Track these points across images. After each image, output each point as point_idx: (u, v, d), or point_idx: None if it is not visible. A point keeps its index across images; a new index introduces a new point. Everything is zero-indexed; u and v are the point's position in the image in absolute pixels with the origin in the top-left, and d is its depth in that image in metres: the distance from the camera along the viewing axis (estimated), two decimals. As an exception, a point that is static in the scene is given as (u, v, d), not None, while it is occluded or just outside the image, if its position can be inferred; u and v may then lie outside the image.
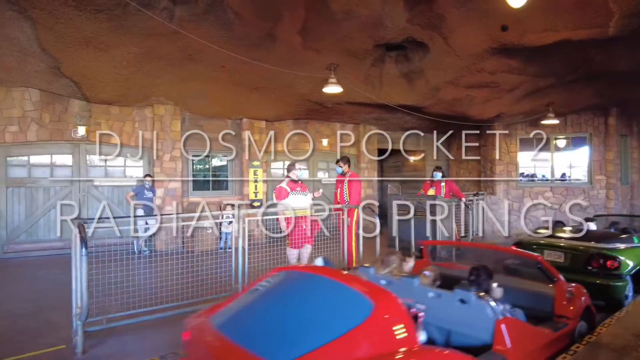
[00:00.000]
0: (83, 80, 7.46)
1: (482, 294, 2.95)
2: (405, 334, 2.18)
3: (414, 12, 6.13)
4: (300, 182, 6.10)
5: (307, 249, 5.96)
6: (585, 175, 11.40)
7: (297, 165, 6.15)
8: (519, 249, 4.84)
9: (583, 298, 3.82)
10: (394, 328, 2.19)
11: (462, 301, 2.91)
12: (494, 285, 3.28)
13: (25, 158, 8.03)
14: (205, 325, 2.64)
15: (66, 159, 8.35)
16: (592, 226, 6.02)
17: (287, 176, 6.10)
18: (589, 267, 4.90)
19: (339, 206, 5.90)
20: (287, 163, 10.89)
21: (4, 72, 7.14)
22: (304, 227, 5.74)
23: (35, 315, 4.58)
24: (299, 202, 5.95)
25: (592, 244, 5.14)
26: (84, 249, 3.22)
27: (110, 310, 3.92)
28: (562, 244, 5.29)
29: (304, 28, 6.38)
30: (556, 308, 3.62)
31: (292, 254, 5.92)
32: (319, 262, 3.18)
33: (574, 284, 3.87)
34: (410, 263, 3.76)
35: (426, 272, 3.57)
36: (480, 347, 2.79)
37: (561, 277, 3.84)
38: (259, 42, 6.58)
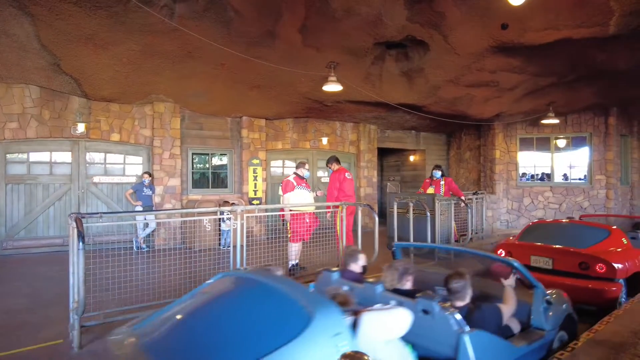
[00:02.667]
0: (83, 77, 7.46)
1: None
2: (626, 242, 5.01)
3: (414, 10, 6.14)
4: (304, 180, 6.42)
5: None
6: (585, 175, 11.39)
7: (307, 166, 6.55)
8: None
9: None
10: (622, 239, 5.03)
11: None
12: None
13: (25, 155, 8.03)
14: (517, 243, 5.47)
15: (65, 156, 8.34)
16: None
17: (295, 172, 6.43)
18: None
19: (334, 203, 5.97)
20: (286, 162, 10.98)
21: (3, 68, 7.15)
22: (307, 221, 5.97)
23: (34, 311, 4.58)
24: (303, 197, 6.16)
25: None
26: (81, 243, 3.21)
27: (109, 306, 3.92)
28: None
29: (304, 26, 6.38)
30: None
31: (293, 248, 6.02)
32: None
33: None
34: None
35: None
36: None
37: None
38: (258, 40, 6.58)
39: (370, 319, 2.15)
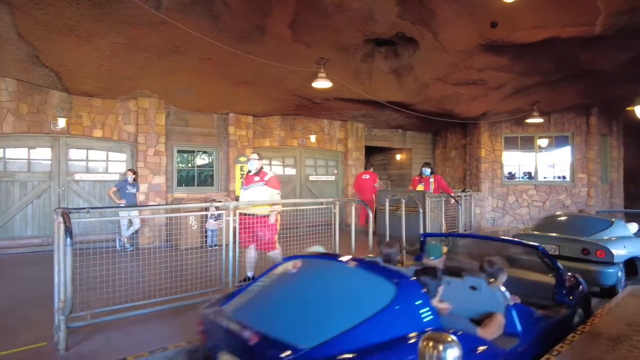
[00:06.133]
0: (63, 71, 7.18)
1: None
2: None
3: (405, 6, 6.13)
4: (254, 175, 5.44)
5: (272, 254, 5.24)
6: (567, 174, 11.61)
7: (254, 155, 5.58)
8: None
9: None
10: None
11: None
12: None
13: (1, 151, 7.68)
14: None
15: (45, 153, 8.02)
16: None
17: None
18: None
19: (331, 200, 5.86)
20: (274, 160, 10.85)
21: (-22, 60, 6.82)
22: (247, 226, 5.08)
23: (12, 313, 4.36)
24: (244, 197, 5.36)
25: None
26: (68, 239, 3.04)
27: (94, 306, 3.75)
28: None
29: (294, 21, 6.30)
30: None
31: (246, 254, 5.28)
32: None
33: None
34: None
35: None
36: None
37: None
38: (247, 35, 6.47)
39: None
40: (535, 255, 3.92)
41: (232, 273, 4.54)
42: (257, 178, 5.37)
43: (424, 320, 2.36)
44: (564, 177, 11.66)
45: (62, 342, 3.26)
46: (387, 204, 6.20)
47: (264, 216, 5.10)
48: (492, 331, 2.85)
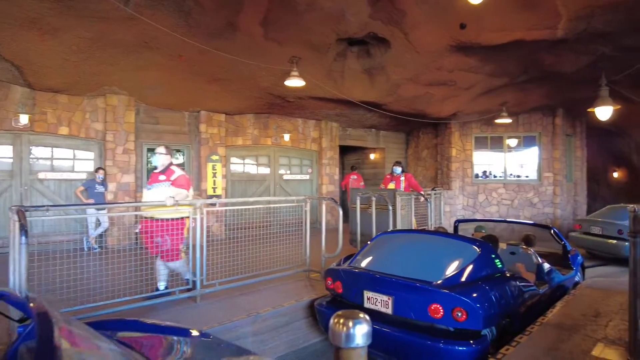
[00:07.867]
0: (26, 65, 6.92)
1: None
2: None
3: (376, 7, 6.20)
4: (160, 173, 4.79)
5: (173, 265, 4.64)
6: (535, 173, 12.00)
7: (160, 149, 4.84)
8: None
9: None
10: None
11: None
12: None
13: (-41, 149, 7.35)
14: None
15: (6, 150, 7.71)
16: None
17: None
18: None
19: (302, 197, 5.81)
20: (247, 159, 10.77)
21: None
22: (149, 232, 4.51)
23: (-32, 317, 4.17)
24: (148, 198, 4.69)
25: None
26: (23, 237, 2.94)
27: (57, 308, 3.62)
28: None
29: (265, 18, 6.27)
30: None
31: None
32: None
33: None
34: None
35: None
36: None
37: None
38: (219, 32, 6.40)
39: None
40: (548, 233, 5.44)
41: (200, 272, 4.47)
42: (162, 177, 4.69)
43: (498, 266, 3.72)
44: (529, 177, 12.03)
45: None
46: (358, 202, 6.25)
47: (169, 220, 4.39)
48: (529, 279, 4.12)
